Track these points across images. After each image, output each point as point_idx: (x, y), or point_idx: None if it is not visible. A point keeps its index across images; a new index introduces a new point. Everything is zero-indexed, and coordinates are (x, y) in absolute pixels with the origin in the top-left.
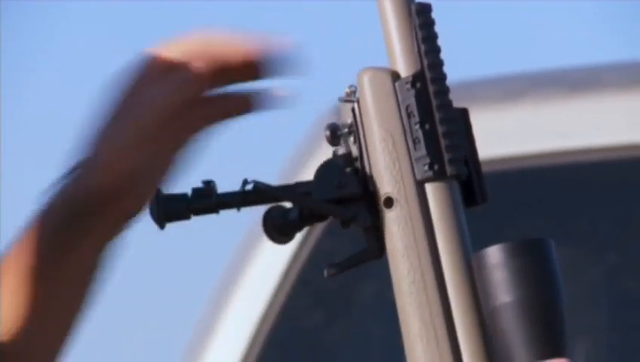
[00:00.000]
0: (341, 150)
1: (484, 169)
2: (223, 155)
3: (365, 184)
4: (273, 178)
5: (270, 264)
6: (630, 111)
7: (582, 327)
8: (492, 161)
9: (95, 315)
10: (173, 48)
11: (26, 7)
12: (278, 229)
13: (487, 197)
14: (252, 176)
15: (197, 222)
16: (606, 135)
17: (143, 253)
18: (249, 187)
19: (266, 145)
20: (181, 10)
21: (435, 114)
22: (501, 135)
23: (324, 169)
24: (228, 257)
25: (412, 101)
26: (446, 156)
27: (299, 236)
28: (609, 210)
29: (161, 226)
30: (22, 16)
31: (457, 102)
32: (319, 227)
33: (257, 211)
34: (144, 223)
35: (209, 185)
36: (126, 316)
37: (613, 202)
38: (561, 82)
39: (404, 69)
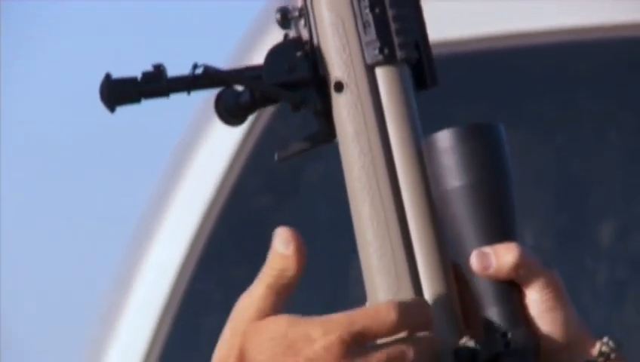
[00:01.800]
0: (292, 34)
1: (436, 52)
2: (174, 40)
3: (315, 68)
4: (224, 62)
5: (220, 146)
6: None
7: (530, 209)
8: (443, 44)
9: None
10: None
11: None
12: (230, 111)
13: (437, 81)
14: (203, 61)
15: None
16: (556, 19)
17: (99, 131)
18: (199, 71)
19: (218, 29)
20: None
21: None
22: (453, 17)
23: (275, 52)
24: (177, 139)
25: None
26: (396, 40)
27: (248, 119)
28: (556, 94)
29: (112, 109)
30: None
31: None
32: (269, 110)
33: (207, 94)
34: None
35: (159, 68)
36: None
37: (559, 85)
38: None
39: None
